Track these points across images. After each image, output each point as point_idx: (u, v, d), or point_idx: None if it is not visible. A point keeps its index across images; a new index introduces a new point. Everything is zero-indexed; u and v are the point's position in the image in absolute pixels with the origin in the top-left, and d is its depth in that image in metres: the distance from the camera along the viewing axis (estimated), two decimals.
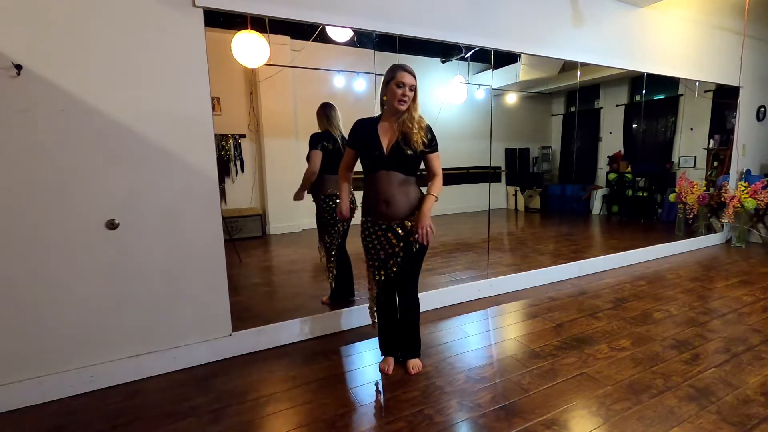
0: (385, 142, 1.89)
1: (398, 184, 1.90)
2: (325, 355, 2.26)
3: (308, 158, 2.62)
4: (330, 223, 2.66)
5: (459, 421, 1.69)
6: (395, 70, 1.86)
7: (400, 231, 1.93)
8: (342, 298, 2.78)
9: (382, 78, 1.90)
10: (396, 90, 1.84)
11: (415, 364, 2.08)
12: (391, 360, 2.12)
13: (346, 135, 2.60)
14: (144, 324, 2.05)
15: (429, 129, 1.95)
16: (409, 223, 1.93)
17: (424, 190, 1.99)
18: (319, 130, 2.66)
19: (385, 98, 1.91)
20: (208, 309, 2.18)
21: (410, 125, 1.88)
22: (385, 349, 2.14)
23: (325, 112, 2.65)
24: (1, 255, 1.76)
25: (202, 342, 2.18)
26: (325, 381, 2.01)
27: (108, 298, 1.96)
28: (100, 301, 1.95)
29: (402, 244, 1.95)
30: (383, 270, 2.00)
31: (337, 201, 2.65)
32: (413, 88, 1.87)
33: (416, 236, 1.88)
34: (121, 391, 1.96)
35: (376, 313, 2.15)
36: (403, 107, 1.86)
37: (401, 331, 2.10)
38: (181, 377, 2.07)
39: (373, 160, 1.90)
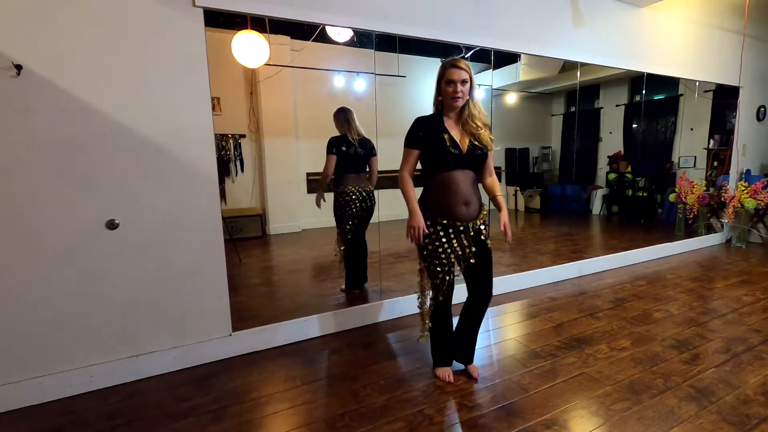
0: (460, 141, 1.84)
1: (472, 183, 1.88)
2: (325, 356, 2.26)
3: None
4: (346, 215, 2.85)
5: (459, 421, 1.69)
6: (443, 67, 1.79)
7: (471, 231, 1.87)
8: (356, 284, 2.99)
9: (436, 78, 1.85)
10: (447, 89, 1.79)
11: (476, 369, 2.05)
12: (450, 369, 2.04)
13: (365, 136, 2.84)
14: (144, 324, 2.05)
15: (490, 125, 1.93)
16: (480, 222, 1.89)
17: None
18: (338, 134, 2.80)
19: (440, 98, 1.85)
20: (208, 309, 2.18)
21: (475, 124, 1.84)
22: (444, 360, 2.04)
23: (345, 117, 2.81)
24: (1, 255, 1.76)
25: (202, 342, 2.18)
26: (325, 381, 2.01)
27: (108, 298, 1.96)
28: (100, 300, 1.95)
29: (474, 243, 1.88)
30: (451, 275, 1.90)
31: (353, 197, 2.79)
32: (466, 82, 1.77)
33: (506, 237, 1.96)
34: (121, 391, 1.96)
35: (431, 322, 1.99)
36: (459, 103, 1.81)
37: (469, 335, 2.02)
38: (181, 377, 2.07)
39: (452, 159, 1.80)
